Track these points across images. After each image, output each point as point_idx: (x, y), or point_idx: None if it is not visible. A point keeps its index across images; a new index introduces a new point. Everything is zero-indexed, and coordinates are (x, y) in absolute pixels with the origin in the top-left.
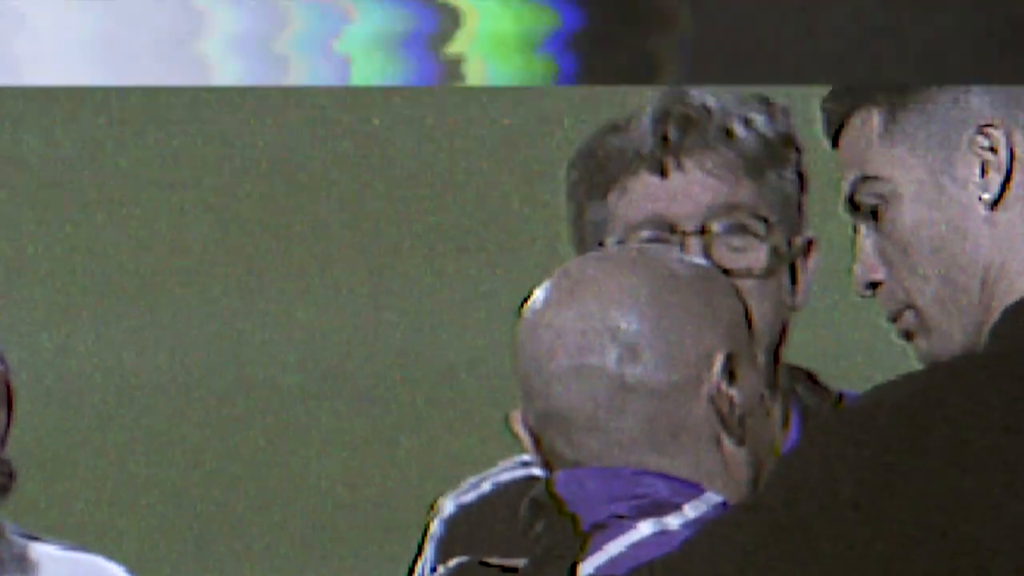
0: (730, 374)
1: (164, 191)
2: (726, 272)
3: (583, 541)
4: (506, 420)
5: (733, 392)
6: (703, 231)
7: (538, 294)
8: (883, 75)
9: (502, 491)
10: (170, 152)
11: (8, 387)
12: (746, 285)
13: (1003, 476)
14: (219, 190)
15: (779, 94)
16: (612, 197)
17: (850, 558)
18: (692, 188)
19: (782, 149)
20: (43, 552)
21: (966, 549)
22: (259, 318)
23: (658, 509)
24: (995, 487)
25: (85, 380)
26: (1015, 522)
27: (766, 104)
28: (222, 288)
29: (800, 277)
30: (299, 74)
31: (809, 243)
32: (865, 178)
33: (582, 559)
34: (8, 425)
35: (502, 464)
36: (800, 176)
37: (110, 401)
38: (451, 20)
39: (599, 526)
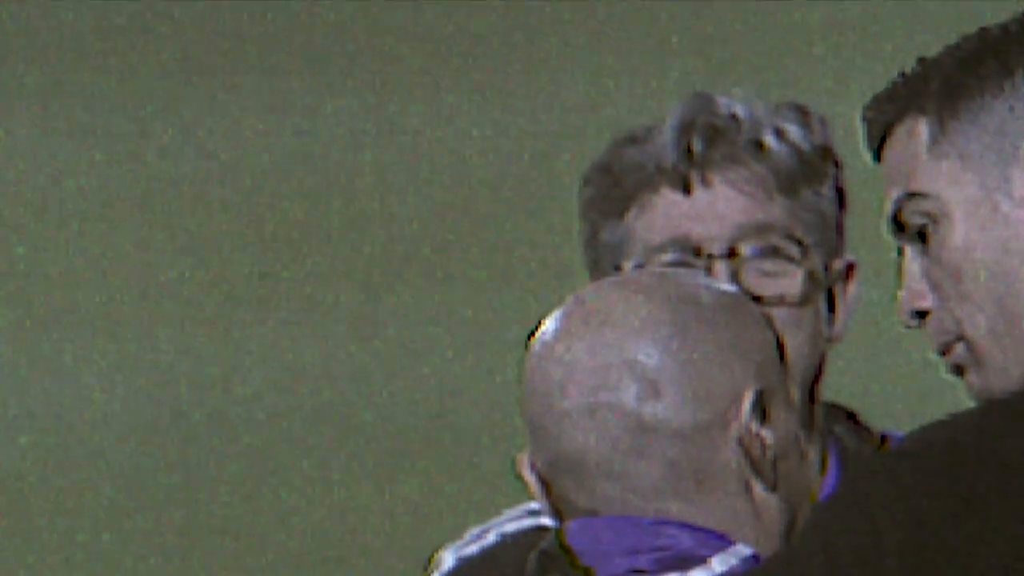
0: (761, 413)
1: (133, 210)
2: (757, 299)
3: None
4: (512, 464)
5: (765, 433)
6: (731, 254)
7: (548, 324)
8: None
9: (508, 543)
10: (140, 169)
11: None
12: (779, 314)
13: None
14: (196, 210)
15: (817, 103)
16: (630, 216)
17: None
18: (719, 206)
19: (819, 163)
20: None
21: None
22: (236, 351)
23: (682, 563)
24: None
25: (48, 416)
26: None
27: (802, 113)
28: (196, 318)
29: (839, 305)
30: None
31: (849, 267)
32: (911, 195)
33: None
34: None
35: (508, 513)
36: (839, 193)
37: (76, 440)
38: None
39: None
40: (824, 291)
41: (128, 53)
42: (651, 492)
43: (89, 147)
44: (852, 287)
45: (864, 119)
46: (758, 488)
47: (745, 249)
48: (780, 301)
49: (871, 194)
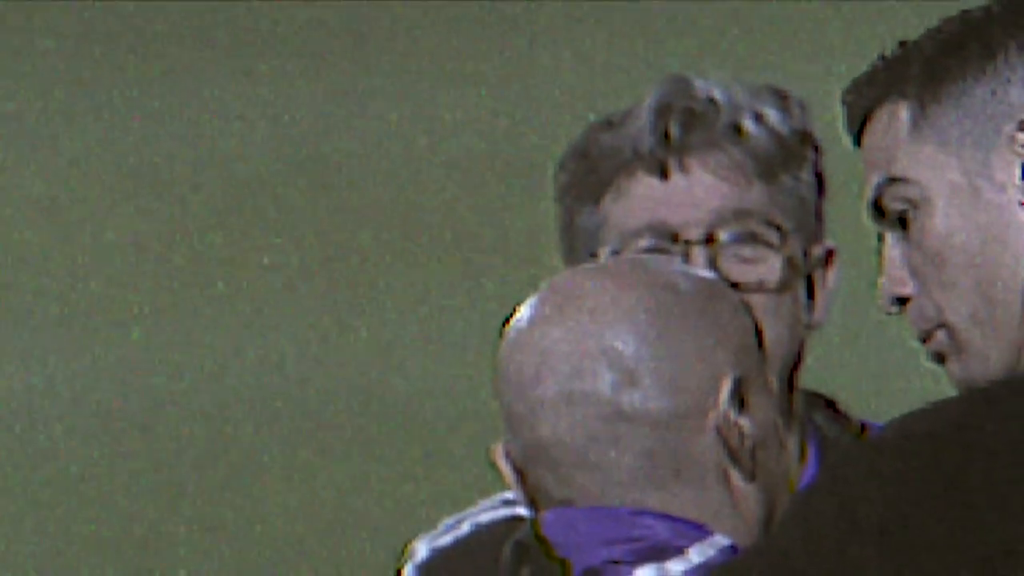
0: (739, 401)
1: (104, 198)
2: (735, 286)
3: None
4: (487, 453)
5: (743, 421)
6: (709, 240)
7: (523, 312)
8: None
9: (483, 533)
10: (112, 156)
11: None
12: (757, 301)
13: None
14: (167, 198)
15: (797, 86)
16: (606, 202)
17: None
18: (696, 192)
19: (798, 148)
20: None
21: None
22: (209, 341)
23: (659, 553)
24: None
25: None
26: None
27: (780, 97)
28: (168, 307)
29: (818, 292)
30: None
31: (828, 254)
32: (892, 180)
33: None
34: None
35: (482, 503)
36: (818, 178)
37: (45, 430)
38: None
39: (592, 572)
40: (803, 277)
41: (101, 39)
42: (628, 482)
43: (60, 134)
44: (831, 273)
45: (844, 103)
46: (736, 477)
47: (723, 235)
48: (758, 287)
49: (851, 179)
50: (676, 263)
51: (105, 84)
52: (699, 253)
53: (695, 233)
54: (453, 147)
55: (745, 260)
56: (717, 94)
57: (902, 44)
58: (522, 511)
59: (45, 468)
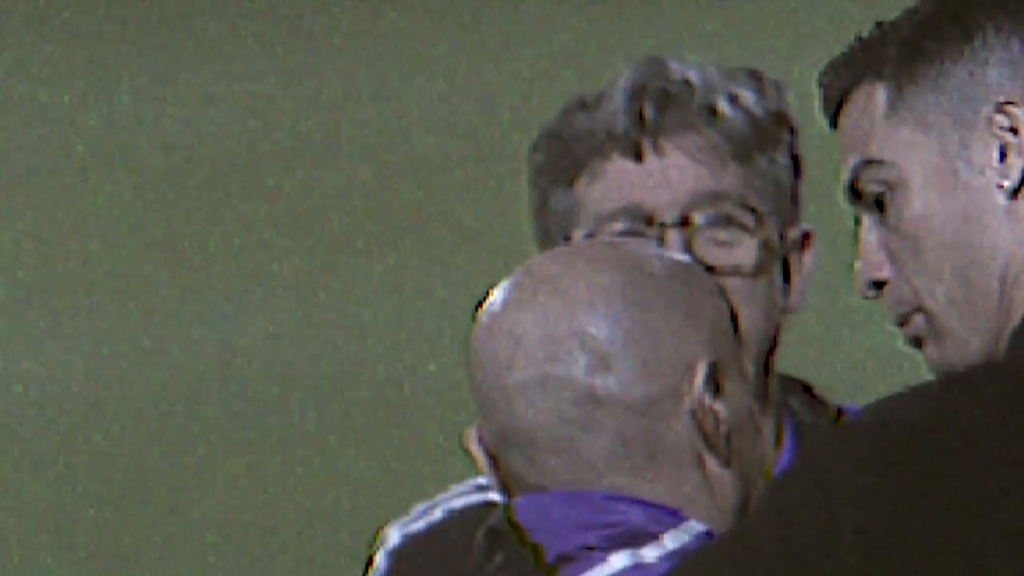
0: (715, 386)
1: (70, 181)
2: (710, 269)
3: (548, 575)
4: (460, 438)
5: (718, 406)
6: (684, 223)
7: (496, 295)
8: None
9: (455, 519)
10: (75, 140)
11: None
12: (733, 284)
13: None
14: (134, 181)
15: (772, 68)
16: (580, 184)
17: None
18: (671, 174)
19: (774, 130)
20: None
21: None
22: (179, 322)
23: (633, 539)
24: (1018, 516)
25: None
26: None
27: (756, 78)
28: (137, 289)
29: (794, 275)
30: None
31: (805, 237)
32: (868, 163)
33: None
34: None
35: (455, 488)
36: (794, 160)
37: (10, 414)
38: None
39: (565, 558)
40: (779, 261)
41: (74, 25)
42: (602, 467)
43: (30, 117)
44: (808, 257)
45: (820, 85)
46: (711, 463)
47: (698, 218)
48: (734, 271)
49: (827, 161)
50: (651, 246)
51: (77, 69)
52: (674, 236)
53: (670, 216)
54: (427, 132)
55: (720, 243)
56: (692, 75)
57: (879, 25)
58: (495, 497)
59: (11, 451)
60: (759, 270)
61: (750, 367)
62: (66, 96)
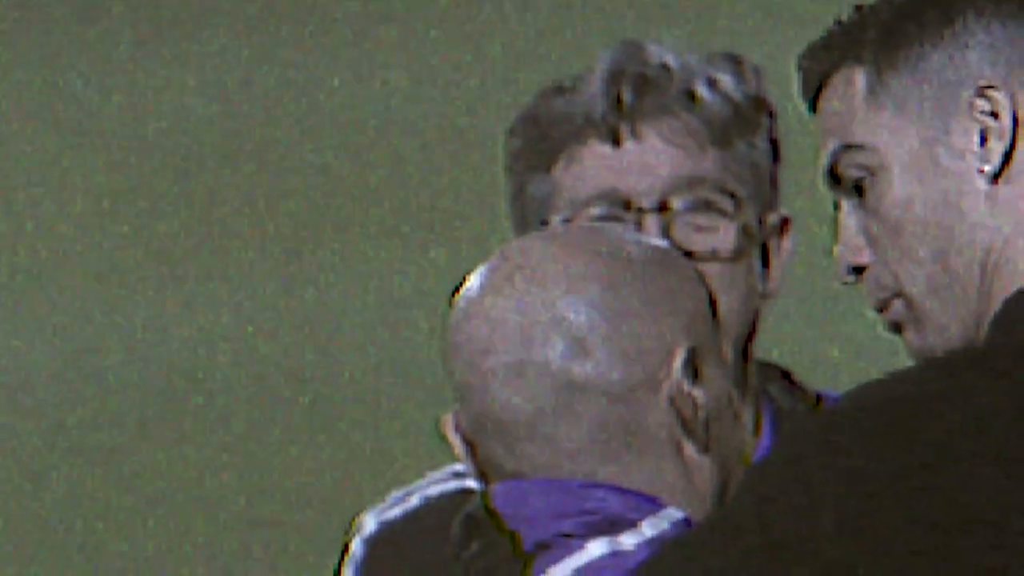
0: (693, 372)
1: (48, 167)
2: (688, 255)
3: (525, 563)
4: (437, 425)
5: (696, 392)
6: (662, 208)
7: (473, 281)
8: None
9: (432, 506)
10: (55, 125)
11: None
12: (711, 270)
13: (1007, 490)
14: (111, 167)
15: (751, 51)
16: (558, 169)
17: None
18: (649, 159)
19: (753, 114)
20: None
21: (965, 574)
22: (153, 310)
23: (610, 527)
24: (999, 504)
25: None
26: (1021, 543)
27: (735, 62)
28: (112, 277)
29: (773, 261)
30: None
31: (784, 222)
32: (848, 147)
33: None
34: None
35: (432, 475)
36: (773, 145)
37: None
38: None
39: (543, 546)
40: (758, 246)
41: (46, 7)
42: (579, 454)
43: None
44: (787, 242)
45: (799, 68)
46: (690, 449)
47: (676, 203)
48: (712, 256)
49: (807, 146)
50: (629, 231)
51: (48, 54)
52: (652, 221)
53: (648, 201)
54: (401, 116)
55: (699, 228)
56: (670, 59)
57: (858, 8)
58: (472, 484)
59: None
60: (738, 255)
61: (729, 353)
62: (36, 82)
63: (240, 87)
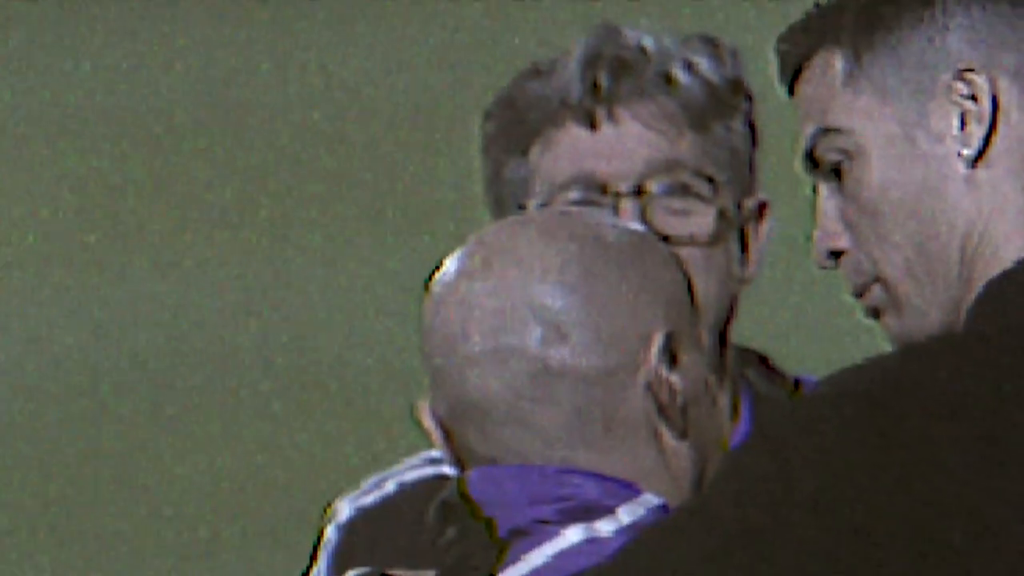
0: (671, 357)
1: (14, 146)
2: (666, 239)
3: (500, 549)
4: (412, 411)
5: (674, 378)
6: (639, 192)
7: (448, 265)
8: None
9: (407, 492)
10: (24, 104)
11: None
12: (689, 254)
13: (985, 476)
14: (82, 147)
15: (729, 35)
16: (534, 153)
17: (809, 570)
18: (626, 143)
19: (730, 97)
20: None
21: (943, 560)
22: (125, 293)
23: (587, 513)
24: (976, 489)
25: None
26: (999, 529)
27: (712, 45)
28: (83, 260)
29: (751, 245)
30: None
31: (761, 206)
32: (826, 131)
33: (499, 570)
34: None
35: (407, 461)
36: (751, 129)
37: None
38: None
39: (519, 532)
40: (735, 230)
41: None
42: (556, 440)
43: None
44: (764, 226)
45: (777, 52)
46: (667, 435)
47: (653, 187)
48: (690, 241)
49: (785, 130)
50: (605, 216)
51: (19, 32)
52: (629, 205)
53: (625, 185)
54: (377, 96)
55: (676, 212)
56: (647, 42)
57: None
58: (448, 470)
59: None
60: (715, 240)
61: (707, 338)
62: (4, 65)
63: (214, 74)
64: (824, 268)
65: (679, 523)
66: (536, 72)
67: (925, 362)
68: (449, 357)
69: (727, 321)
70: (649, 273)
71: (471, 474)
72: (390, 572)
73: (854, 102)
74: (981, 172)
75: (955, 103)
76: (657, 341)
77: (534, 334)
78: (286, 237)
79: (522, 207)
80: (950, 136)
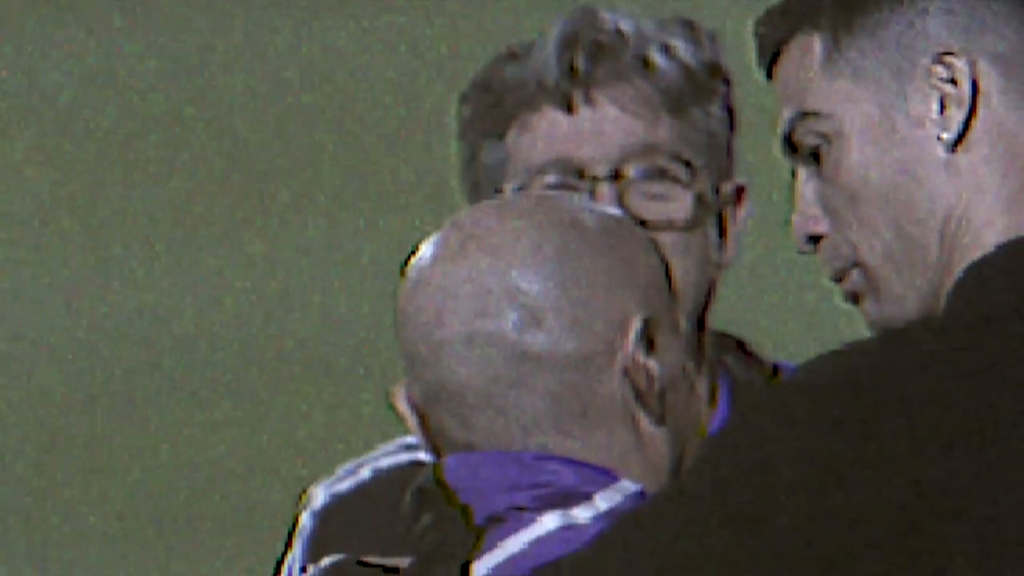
0: (648, 342)
1: None
2: (643, 224)
3: (477, 536)
4: (387, 396)
5: (651, 363)
6: (616, 176)
7: (424, 250)
8: None
9: (382, 478)
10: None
11: None
12: (666, 239)
13: (965, 463)
14: (64, 132)
15: (707, 18)
16: (511, 136)
17: (788, 557)
18: (603, 126)
19: (708, 81)
20: None
21: (922, 548)
22: (107, 280)
23: (564, 499)
24: (957, 476)
25: None
26: (979, 516)
27: (690, 28)
28: (66, 246)
29: (729, 230)
30: None
31: (739, 190)
32: (805, 114)
33: (476, 557)
34: None
35: (382, 447)
36: (729, 112)
37: None
38: None
39: (495, 519)
40: (713, 215)
41: None
42: (532, 425)
43: None
44: (742, 211)
45: (755, 35)
46: (644, 421)
47: (631, 171)
48: (667, 225)
49: (763, 113)
50: (582, 200)
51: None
52: (606, 190)
53: (602, 169)
54: (354, 85)
55: (653, 197)
56: (624, 26)
57: None
58: (423, 456)
59: None
60: (693, 224)
61: (684, 323)
62: None
63: (191, 61)
64: (803, 253)
65: (656, 510)
66: (513, 55)
67: (904, 348)
68: (425, 342)
69: (705, 306)
70: (626, 258)
71: (447, 460)
72: (365, 559)
73: (833, 86)
74: (960, 156)
75: (934, 87)
76: (634, 326)
77: (510, 319)
78: (264, 225)
79: (499, 191)
80: (929, 120)
